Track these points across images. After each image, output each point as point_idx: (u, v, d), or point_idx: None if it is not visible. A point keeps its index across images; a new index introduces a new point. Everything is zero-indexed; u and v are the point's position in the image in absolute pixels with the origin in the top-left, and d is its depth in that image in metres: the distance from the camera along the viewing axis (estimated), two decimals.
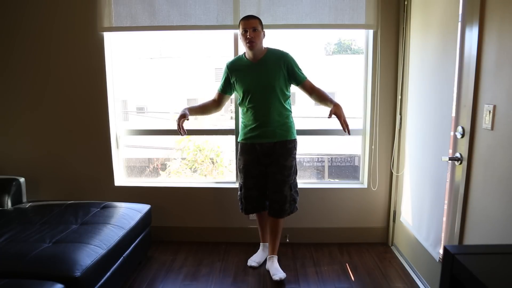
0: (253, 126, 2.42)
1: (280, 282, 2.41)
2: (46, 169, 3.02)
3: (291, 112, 2.49)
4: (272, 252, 2.56)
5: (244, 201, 2.54)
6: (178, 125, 2.38)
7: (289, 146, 2.45)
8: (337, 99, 2.38)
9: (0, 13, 2.82)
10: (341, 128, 2.32)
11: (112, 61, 2.94)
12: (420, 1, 2.42)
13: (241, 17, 2.38)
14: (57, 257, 1.86)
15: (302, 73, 2.46)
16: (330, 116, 2.30)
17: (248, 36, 2.30)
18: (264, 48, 2.43)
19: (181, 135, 2.41)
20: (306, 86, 2.46)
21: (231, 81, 2.48)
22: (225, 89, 2.53)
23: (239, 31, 2.38)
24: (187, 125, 2.45)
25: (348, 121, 2.33)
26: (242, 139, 2.51)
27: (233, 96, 2.64)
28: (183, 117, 2.40)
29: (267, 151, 2.43)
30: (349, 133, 2.33)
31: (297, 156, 2.54)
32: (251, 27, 2.31)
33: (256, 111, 2.41)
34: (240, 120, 2.56)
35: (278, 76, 2.39)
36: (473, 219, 1.80)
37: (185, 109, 2.45)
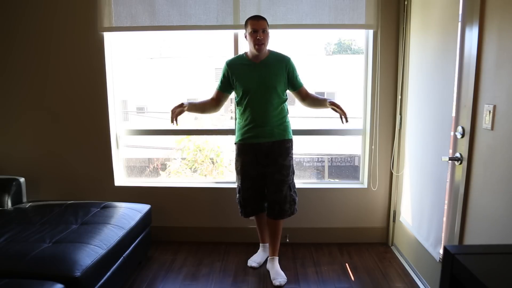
0: (250, 126, 2.40)
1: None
2: (46, 169, 3.02)
3: (288, 113, 2.50)
4: (272, 254, 2.55)
5: (243, 203, 2.53)
6: (173, 111, 2.35)
7: (287, 145, 2.45)
8: (337, 99, 2.39)
9: (0, 13, 2.82)
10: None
11: (112, 61, 2.94)
12: (420, 1, 2.42)
13: (241, 17, 2.36)
14: (57, 257, 1.86)
15: (300, 80, 2.51)
16: (334, 108, 2.33)
17: (258, 37, 2.28)
18: (267, 49, 2.42)
19: (171, 122, 2.36)
20: (302, 92, 2.52)
21: (231, 80, 2.46)
22: (224, 87, 2.49)
23: (246, 30, 2.35)
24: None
25: (348, 120, 2.34)
26: (239, 140, 2.48)
27: (232, 95, 2.62)
28: (180, 106, 2.37)
29: (265, 150, 2.42)
30: (347, 121, 2.34)
31: (297, 156, 2.54)
32: (261, 28, 2.29)
33: (254, 111, 2.39)
34: (237, 120, 2.52)
35: (280, 78, 2.40)
36: (473, 219, 1.80)
37: (187, 102, 2.42)
